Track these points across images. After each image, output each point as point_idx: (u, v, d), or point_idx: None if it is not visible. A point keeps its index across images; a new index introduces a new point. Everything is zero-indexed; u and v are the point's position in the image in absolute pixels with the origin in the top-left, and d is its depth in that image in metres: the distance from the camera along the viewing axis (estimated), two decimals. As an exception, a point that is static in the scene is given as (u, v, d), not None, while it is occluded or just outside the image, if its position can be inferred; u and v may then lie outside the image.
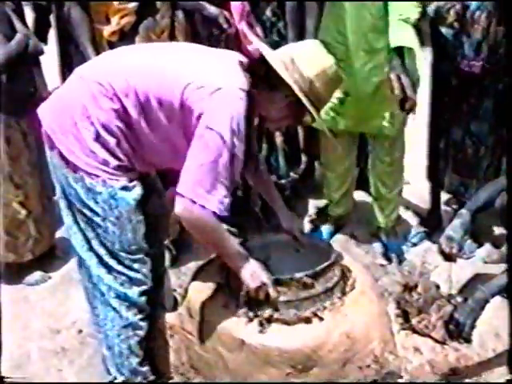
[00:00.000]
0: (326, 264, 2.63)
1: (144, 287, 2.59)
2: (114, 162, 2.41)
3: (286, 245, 2.88)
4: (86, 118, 2.37)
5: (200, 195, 2.29)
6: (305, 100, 2.32)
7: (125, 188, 2.44)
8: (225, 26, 3.42)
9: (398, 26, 3.23)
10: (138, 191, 2.49)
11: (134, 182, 2.48)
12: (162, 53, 2.49)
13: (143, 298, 2.60)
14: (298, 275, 2.56)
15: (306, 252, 2.85)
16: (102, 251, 2.50)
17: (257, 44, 2.51)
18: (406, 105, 3.22)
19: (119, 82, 2.36)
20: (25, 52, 3.34)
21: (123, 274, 2.54)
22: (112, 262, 2.51)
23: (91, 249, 2.51)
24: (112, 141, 2.39)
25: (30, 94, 3.39)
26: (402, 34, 3.23)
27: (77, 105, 2.38)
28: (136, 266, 2.55)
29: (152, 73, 2.38)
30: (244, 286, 2.51)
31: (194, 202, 2.29)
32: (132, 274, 2.55)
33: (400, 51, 3.24)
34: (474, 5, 3.44)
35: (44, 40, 3.49)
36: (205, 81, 2.31)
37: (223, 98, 2.28)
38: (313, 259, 2.70)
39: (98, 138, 2.37)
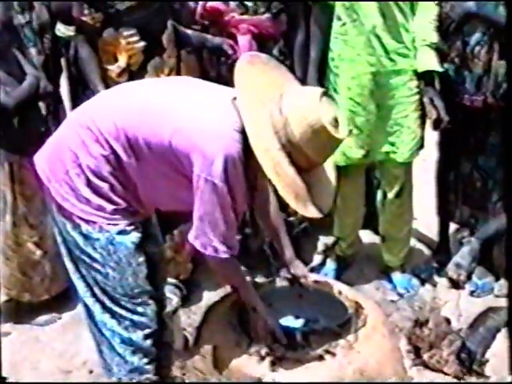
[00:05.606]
0: (349, 314, 2.68)
1: (148, 330, 2.53)
2: (109, 207, 2.37)
3: (287, 291, 2.89)
4: (76, 165, 2.34)
5: (209, 247, 2.35)
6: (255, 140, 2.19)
7: (122, 232, 2.39)
8: (230, 52, 3.46)
9: (425, 51, 3.42)
10: (136, 234, 2.43)
11: (132, 226, 2.43)
12: (152, 92, 2.43)
13: (148, 342, 2.53)
14: (331, 325, 2.63)
15: (308, 296, 2.86)
16: (103, 297, 2.46)
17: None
18: (441, 126, 3.50)
19: (107, 125, 2.31)
20: (36, 93, 3.37)
21: (126, 319, 2.49)
22: (115, 307, 2.47)
23: (94, 295, 2.48)
24: (105, 186, 2.35)
25: (42, 133, 3.40)
26: (429, 59, 3.43)
27: (67, 152, 2.36)
28: (140, 309, 2.50)
29: (140, 115, 2.32)
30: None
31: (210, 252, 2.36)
32: (136, 317, 2.49)
33: (429, 75, 3.45)
34: (473, 40, 3.47)
35: (56, 84, 3.51)
36: (194, 126, 2.25)
37: (215, 143, 2.22)
38: (316, 303, 2.76)
39: (89, 184, 2.34)
